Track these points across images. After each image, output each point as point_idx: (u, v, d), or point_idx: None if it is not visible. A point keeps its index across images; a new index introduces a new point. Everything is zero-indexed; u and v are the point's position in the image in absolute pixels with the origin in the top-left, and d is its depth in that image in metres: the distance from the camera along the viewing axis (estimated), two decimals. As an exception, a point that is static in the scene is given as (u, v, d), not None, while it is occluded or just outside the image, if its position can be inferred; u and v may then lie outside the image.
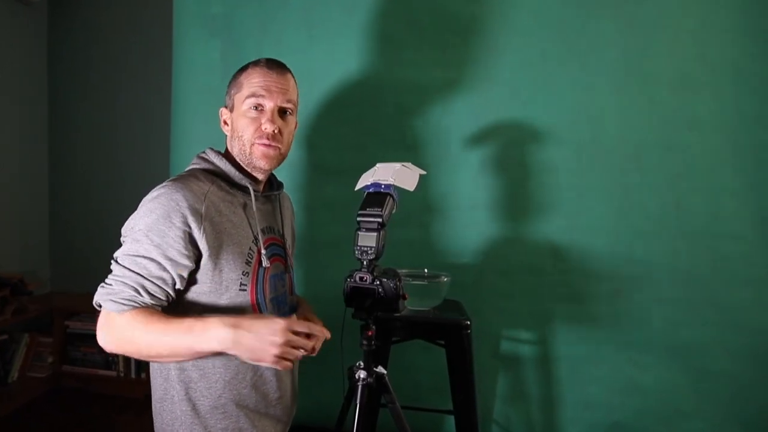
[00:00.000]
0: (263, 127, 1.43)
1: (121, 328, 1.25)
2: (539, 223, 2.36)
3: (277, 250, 1.56)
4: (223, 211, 1.39)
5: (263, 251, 1.46)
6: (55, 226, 3.90)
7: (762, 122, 2.19)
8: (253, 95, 1.44)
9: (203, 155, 1.49)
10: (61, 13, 3.78)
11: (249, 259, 1.42)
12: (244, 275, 1.40)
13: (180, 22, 2.59)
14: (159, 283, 1.28)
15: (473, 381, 2.06)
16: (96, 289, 1.29)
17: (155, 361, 1.39)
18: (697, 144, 2.23)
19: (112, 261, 1.31)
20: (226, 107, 1.52)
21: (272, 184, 1.64)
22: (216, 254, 1.35)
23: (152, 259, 1.27)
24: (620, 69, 2.27)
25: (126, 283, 1.26)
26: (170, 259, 1.28)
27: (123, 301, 1.25)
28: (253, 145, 1.44)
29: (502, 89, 2.35)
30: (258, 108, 1.44)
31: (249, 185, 1.47)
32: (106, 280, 1.28)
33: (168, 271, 1.29)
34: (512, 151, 2.36)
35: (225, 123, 1.52)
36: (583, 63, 2.29)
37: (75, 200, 3.84)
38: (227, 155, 1.51)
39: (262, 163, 1.46)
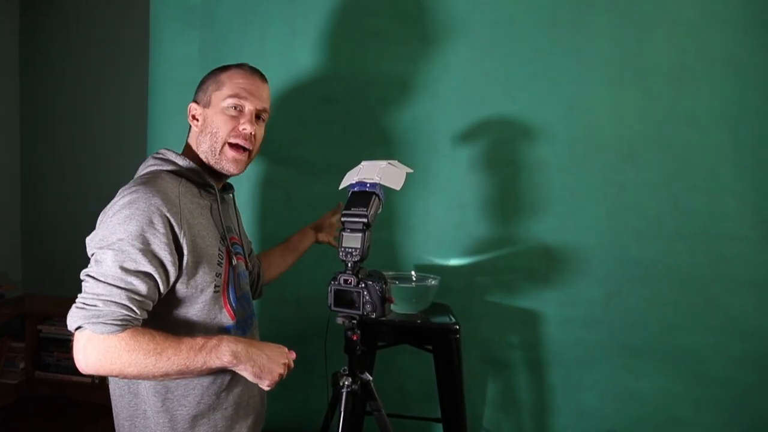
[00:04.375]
0: (242, 128, 1.48)
1: (117, 351, 1.17)
2: (531, 223, 2.31)
3: (239, 249, 1.59)
4: (195, 213, 1.38)
5: (231, 251, 1.48)
6: (28, 226, 3.81)
7: (763, 118, 2.14)
8: (236, 95, 1.48)
9: (161, 156, 1.46)
10: (35, 5, 3.70)
11: (220, 260, 1.42)
12: (217, 276, 1.40)
13: (157, 14, 2.53)
14: (150, 293, 1.24)
15: (462, 387, 2.03)
16: (73, 292, 1.24)
17: (151, 380, 1.31)
18: (696, 140, 2.19)
19: (88, 278, 1.21)
20: (197, 103, 1.53)
21: (225, 185, 1.63)
22: (194, 258, 1.34)
23: (141, 271, 1.22)
24: (615, 62, 2.23)
25: (115, 302, 1.18)
26: (158, 268, 1.24)
27: (116, 322, 1.17)
28: (225, 144, 1.47)
29: (492, 84, 2.31)
30: (237, 108, 1.48)
31: (215, 185, 1.48)
32: (85, 301, 1.19)
33: (156, 281, 1.24)
34: (503, 148, 2.32)
35: (195, 118, 1.52)
36: (577, 56, 2.25)
37: (48, 199, 3.77)
38: (190, 155, 1.51)
39: (231, 167, 1.50)
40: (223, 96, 1.47)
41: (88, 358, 1.18)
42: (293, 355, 1.42)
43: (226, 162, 1.48)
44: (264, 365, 1.33)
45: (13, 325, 3.49)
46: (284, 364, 1.37)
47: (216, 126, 1.46)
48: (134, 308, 1.19)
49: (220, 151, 1.47)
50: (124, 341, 1.17)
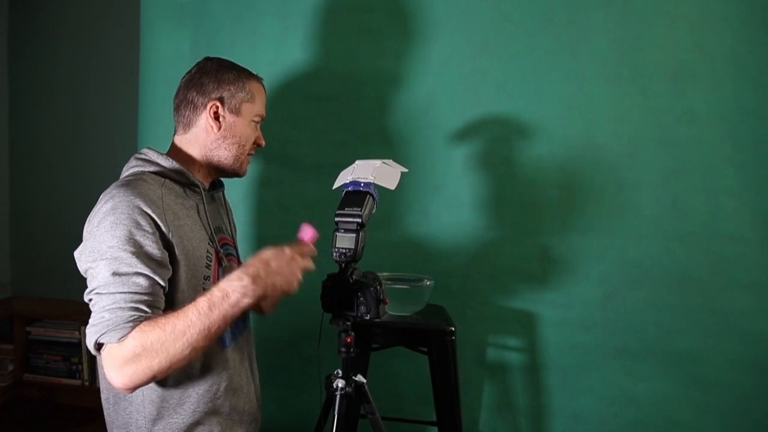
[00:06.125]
0: (261, 142, 1.58)
1: (132, 354, 1.14)
2: (527, 223, 2.29)
3: (230, 249, 1.57)
4: (179, 214, 1.36)
5: (220, 251, 1.46)
6: (17, 226, 3.78)
7: (763, 116, 2.11)
8: (261, 115, 1.56)
9: (143, 156, 1.43)
10: (25, 2, 3.67)
11: (208, 263, 1.40)
12: (205, 279, 1.37)
13: (147, 11, 2.49)
14: (155, 290, 1.22)
15: (457, 390, 2.01)
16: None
17: (188, 361, 1.23)
18: (695, 139, 2.16)
19: (92, 297, 1.20)
20: (221, 102, 1.48)
21: (214, 183, 1.61)
22: (182, 259, 1.32)
23: (140, 273, 1.19)
24: (613, 59, 2.19)
25: (120, 307, 1.17)
26: (156, 268, 1.22)
27: (127, 325, 1.15)
28: (248, 154, 1.55)
29: (488, 82, 2.28)
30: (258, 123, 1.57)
31: (201, 185, 1.46)
32: (95, 318, 1.17)
33: (155, 279, 1.22)
34: (499, 147, 2.29)
35: (216, 119, 1.47)
36: (574, 53, 2.22)
37: (38, 199, 3.73)
38: (176, 154, 1.48)
39: (244, 172, 1.58)
40: (255, 111, 1.53)
41: (116, 371, 1.16)
42: (301, 247, 1.38)
43: (244, 168, 1.56)
44: (278, 282, 1.28)
45: (1, 327, 3.46)
46: (297, 263, 1.34)
47: (246, 138, 1.51)
48: (142, 307, 1.18)
49: (242, 160, 1.54)
50: (137, 339, 1.14)
